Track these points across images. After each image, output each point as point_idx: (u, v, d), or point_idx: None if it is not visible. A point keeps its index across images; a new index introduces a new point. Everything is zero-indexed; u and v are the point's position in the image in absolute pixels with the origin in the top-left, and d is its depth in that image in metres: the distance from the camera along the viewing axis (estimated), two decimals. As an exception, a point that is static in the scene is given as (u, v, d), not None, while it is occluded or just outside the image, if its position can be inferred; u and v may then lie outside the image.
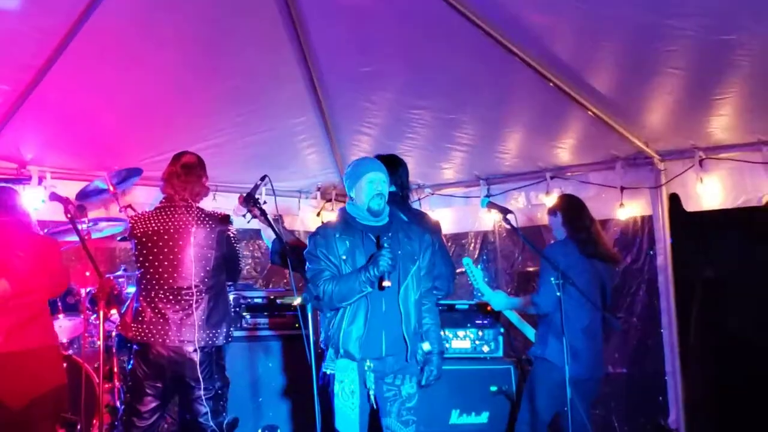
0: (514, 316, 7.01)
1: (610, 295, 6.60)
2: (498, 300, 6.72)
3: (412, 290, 5.27)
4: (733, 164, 6.92)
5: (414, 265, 5.29)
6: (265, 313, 7.20)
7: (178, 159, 5.70)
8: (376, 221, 5.29)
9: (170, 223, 5.47)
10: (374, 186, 5.22)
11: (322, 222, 5.59)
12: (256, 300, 7.21)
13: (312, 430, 5.20)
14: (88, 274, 7.30)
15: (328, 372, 5.22)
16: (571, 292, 5.73)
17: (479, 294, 6.72)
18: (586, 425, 6.13)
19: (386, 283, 5.06)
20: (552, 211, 6.60)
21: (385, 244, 5.10)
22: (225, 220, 5.63)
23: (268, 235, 6.04)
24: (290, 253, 5.37)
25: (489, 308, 7.05)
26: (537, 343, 6.40)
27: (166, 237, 5.45)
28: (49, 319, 5.09)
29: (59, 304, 7.03)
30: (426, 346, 5.36)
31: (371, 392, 5.23)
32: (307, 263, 5.26)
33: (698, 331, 7.60)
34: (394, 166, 6.08)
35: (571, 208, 6.54)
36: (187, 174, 5.60)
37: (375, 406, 5.27)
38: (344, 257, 5.17)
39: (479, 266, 8.58)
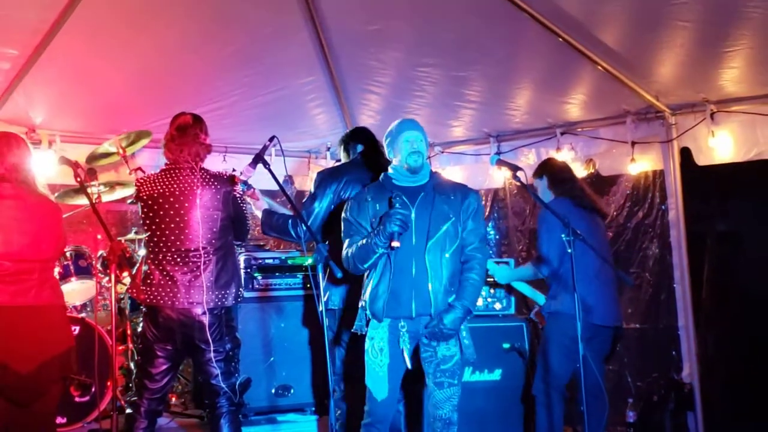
0: (523, 287, 7.00)
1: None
2: (502, 274, 6.76)
3: (441, 248, 5.22)
4: (744, 117, 6.85)
5: (447, 223, 5.24)
6: (277, 274, 7.20)
7: (173, 121, 5.65)
8: (413, 181, 5.33)
9: (175, 185, 5.45)
10: (410, 144, 5.28)
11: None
12: (267, 261, 7.21)
13: (325, 389, 5.24)
14: (99, 237, 7.35)
15: (359, 333, 5.33)
16: (576, 245, 5.71)
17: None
18: (599, 380, 6.17)
19: (395, 244, 5.08)
20: (537, 175, 6.61)
21: (397, 204, 5.14)
22: (231, 180, 5.61)
23: (258, 207, 6.04)
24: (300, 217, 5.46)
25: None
26: (550, 299, 6.40)
27: (171, 199, 5.43)
28: (54, 280, 5.08)
29: (71, 267, 7.04)
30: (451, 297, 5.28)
31: (406, 352, 5.26)
32: (343, 232, 5.37)
33: (711, 286, 7.58)
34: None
35: (557, 169, 6.56)
36: (181, 136, 5.55)
37: (410, 367, 5.29)
38: (373, 220, 5.24)
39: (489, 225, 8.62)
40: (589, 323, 5.62)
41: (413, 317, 5.21)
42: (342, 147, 6.36)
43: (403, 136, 5.31)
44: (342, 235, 5.38)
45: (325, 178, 6.06)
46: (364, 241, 5.18)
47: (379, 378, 5.23)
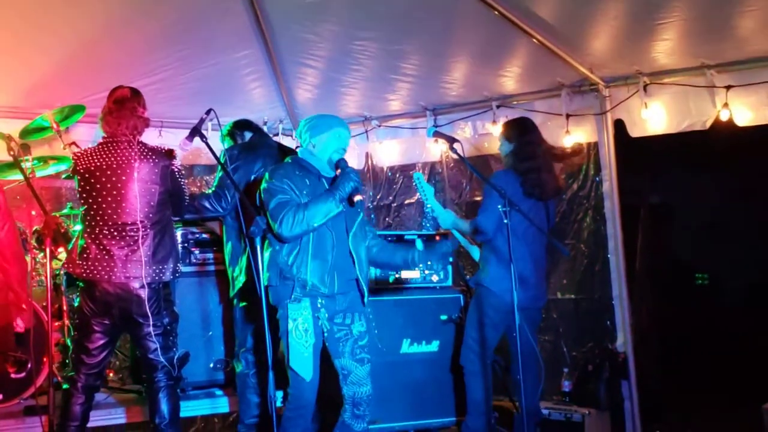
0: (461, 237, 7.02)
1: (554, 221, 6.67)
2: (446, 218, 6.71)
3: (361, 238, 5.49)
4: (676, 89, 6.93)
5: (359, 216, 5.51)
6: (214, 248, 7.18)
7: (111, 95, 5.65)
8: (330, 173, 5.50)
9: (113, 159, 5.41)
10: (341, 141, 5.49)
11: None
12: (204, 235, 7.18)
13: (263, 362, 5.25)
14: (34, 213, 7.26)
15: (284, 314, 5.30)
16: (516, 220, 5.77)
17: (429, 209, 6.73)
18: (534, 349, 6.24)
19: (358, 197, 5.31)
20: (507, 137, 6.54)
21: (344, 164, 5.39)
22: (169, 154, 5.58)
23: None
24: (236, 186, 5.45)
25: (437, 236, 7.09)
26: (480, 270, 6.45)
27: (108, 172, 5.39)
28: None
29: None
30: None
31: (325, 329, 5.37)
32: (273, 197, 5.34)
33: (644, 256, 7.69)
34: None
35: (525, 144, 6.48)
36: (119, 109, 5.53)
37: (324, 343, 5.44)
38: (305, 192, 5.33)
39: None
40: (511, 302, 5.62)
41: (333, 294, 5.35)
42: (228, 135, 6.76)
43: (335, 131, 5.49)
44: (273, 200, 5.33)
45: (241, 153, 6.34)
46: (316, 201, 5.24)
47: (305, 359, 5.26)
